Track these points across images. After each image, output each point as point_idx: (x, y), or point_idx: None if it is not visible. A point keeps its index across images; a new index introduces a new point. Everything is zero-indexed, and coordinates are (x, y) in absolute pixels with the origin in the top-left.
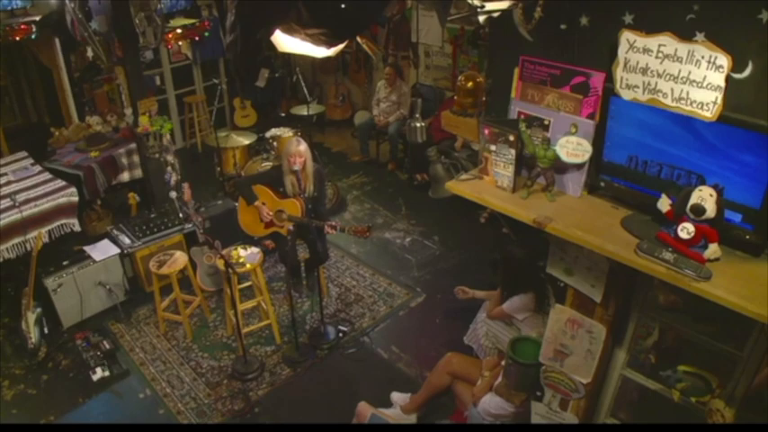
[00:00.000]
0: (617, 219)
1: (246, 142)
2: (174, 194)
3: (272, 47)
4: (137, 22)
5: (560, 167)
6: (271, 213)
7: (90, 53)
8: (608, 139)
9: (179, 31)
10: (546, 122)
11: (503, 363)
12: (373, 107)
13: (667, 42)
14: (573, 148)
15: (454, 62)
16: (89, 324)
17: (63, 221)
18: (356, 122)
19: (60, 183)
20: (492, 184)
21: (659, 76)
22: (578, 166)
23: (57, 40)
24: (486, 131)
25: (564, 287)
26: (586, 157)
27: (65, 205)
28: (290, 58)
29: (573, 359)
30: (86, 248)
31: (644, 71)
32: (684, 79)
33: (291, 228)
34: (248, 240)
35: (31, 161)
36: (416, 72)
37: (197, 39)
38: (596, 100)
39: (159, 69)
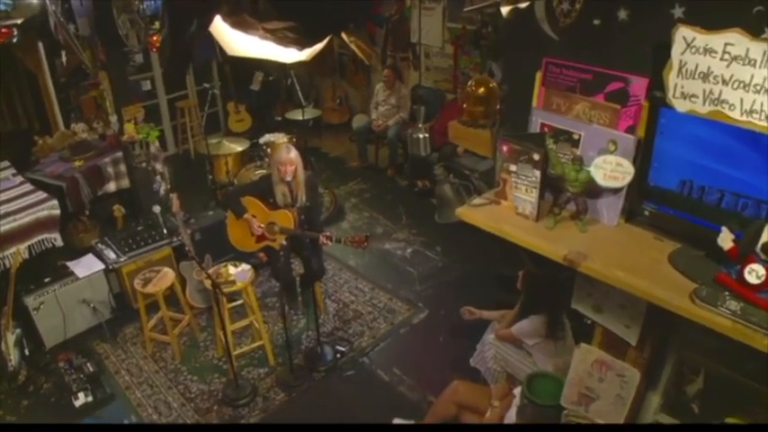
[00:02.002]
0: (663, 253)
1: (239, 149)
2: (157, 209)
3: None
4: (119, 23)
5: (594, 191)
6: (262, 226)
7: (64, 57)
8: (655, 160)
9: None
10: (575, 137)
11: (514, 392)
12: (372, 110)
13: (736, 41)
14: (611, 169)
15: (455, 63)
16: (73, 344)
17: (44, 236)
18: (354, 126)
19: (41, 195)
20: (511, 211)
21: (725, 82)
22: (615, 191)
23: (40, 44)
24: (505, 148)
25: (591, 324)
26: (627, 180)
27: (45, 219)
28: None
29: (600, 404)
30: (69, 264)
31: (705, 77)
32: (758, 87)
33: (284, 242)
34: (240, 255)
35: (13, 171)
36: (419, 74)
37: None
38: (637, 110)
39: (150, 73)
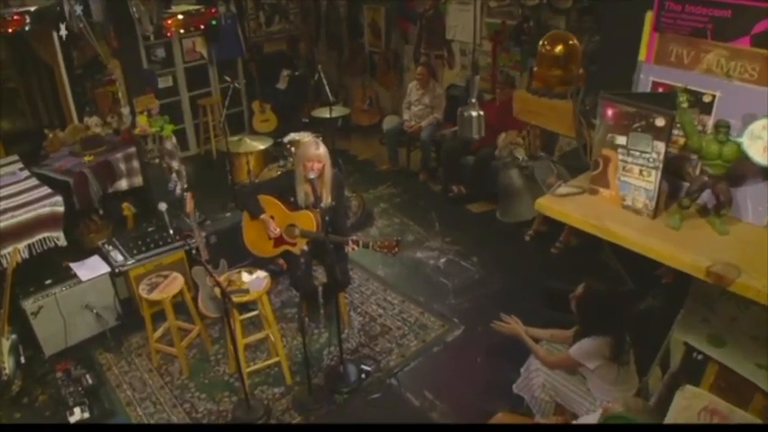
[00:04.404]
0: None
1: (261, 147)
2: (163, 206)
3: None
4: (131, 6)
5: (735, 176)
6: (279, 229)
7: (63, 31)
8: None
9: (180, 17)
10: (706, 99)
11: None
12: (404, 111)
13: None
14: None
15: (494, 61)
16: (74, 353)
17: (45, 235)
18: (385, 128)
19: (45, 191)
20: (615, 203)
21: None
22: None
23: (55, 34)
24: (610, 112)
25: (703, 360)
26: None
27: (47, 216)
28: (312, 56)
29: None
30: (73, 266)
31: None
32: None
33: (305, 247)
34: (259, 260)
35: (20, 166)
36: (472, 70)
37: (202, 27)
38: None
39: (171, 69)
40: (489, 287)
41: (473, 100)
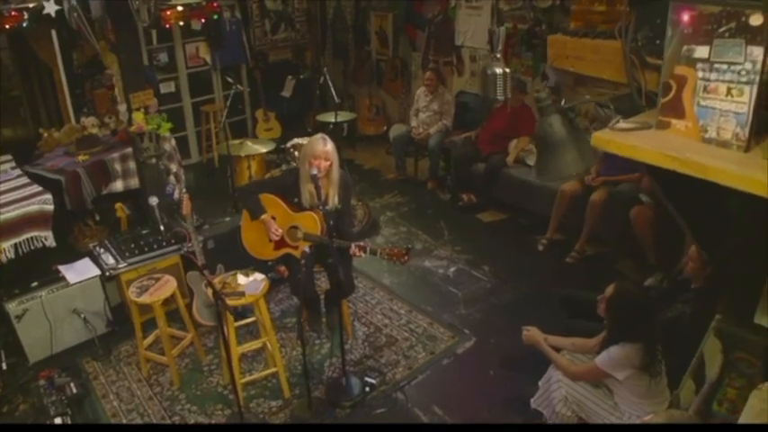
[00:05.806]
0: None
1: (263, 150)
2: (154, 200)
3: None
4: None
5: None
6: (281, 230)
7: (51, 6)
8: None
9: (180, 8)
10: None
11: None
12: (411, 118)
13: None
14: None
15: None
16: (60, 360)
17: (33, 234)
18: (392, 136)
19: (35, 188)
20: (693, 136)
21: None
22: None
23: (54, 33)
24: (687, 17)
25: None
26: None
27: (35, 214)
28: (318, 65)
29: None
30: (61, 268)
31: None
32: None
33: (307, 249)
34: (260, 267)
35: (12, 165)
36: (497, 16)
37: (203, 21)
38: None
39: (174, 75)
40: (501, 297)
41: (497, 55)
